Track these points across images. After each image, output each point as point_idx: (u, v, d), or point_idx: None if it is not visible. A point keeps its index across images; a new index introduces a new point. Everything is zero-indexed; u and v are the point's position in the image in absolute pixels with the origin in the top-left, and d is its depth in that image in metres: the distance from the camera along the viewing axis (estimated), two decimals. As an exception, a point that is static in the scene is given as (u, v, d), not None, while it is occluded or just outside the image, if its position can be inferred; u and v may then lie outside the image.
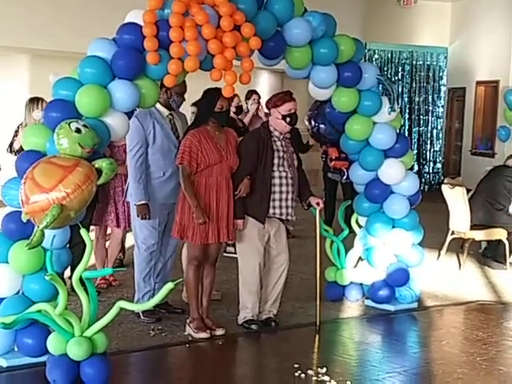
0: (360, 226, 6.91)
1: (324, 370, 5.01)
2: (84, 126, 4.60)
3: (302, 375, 4.95)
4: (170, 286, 4.32)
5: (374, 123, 6.38)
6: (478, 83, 14.79)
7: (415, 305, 6.74)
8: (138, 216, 5.89)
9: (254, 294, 5.89)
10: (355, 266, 6.96)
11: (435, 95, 16.08)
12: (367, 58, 14.95)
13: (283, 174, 5.83)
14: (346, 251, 6.92)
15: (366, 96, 6.26)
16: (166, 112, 6.01)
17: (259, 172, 5.76)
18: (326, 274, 6.93)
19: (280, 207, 5.85)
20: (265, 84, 14.49)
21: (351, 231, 6.99)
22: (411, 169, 6.83)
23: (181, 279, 4.68)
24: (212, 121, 5.64)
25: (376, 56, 15.54)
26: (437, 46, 15.74)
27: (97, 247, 7.06)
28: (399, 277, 6.62)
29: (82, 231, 4.52)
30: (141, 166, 5.87)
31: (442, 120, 16.20)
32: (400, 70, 15.83)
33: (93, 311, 4.51)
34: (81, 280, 4.49)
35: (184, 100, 6.11)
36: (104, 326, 4.49)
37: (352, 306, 6.75)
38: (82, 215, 4.85)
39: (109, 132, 5.00)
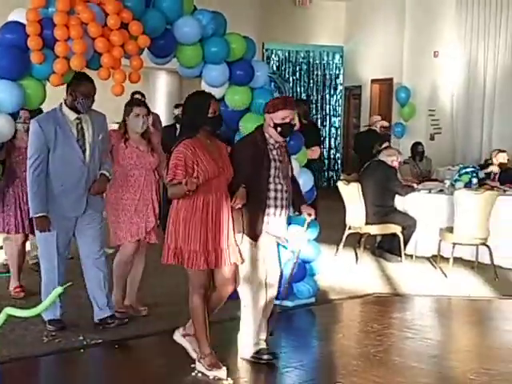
0: (257, 224, 6.92)
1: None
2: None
3: (199, 375, 4.93)
4: (58, 290, 4.21)
5: (268, 121, 6.41)
6: (373, 81, 15.14)
7: (313, 299, 6.81)
8: (36, 229, 5.63)
9: (260, 316, 5.29)
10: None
11: (332, 94, 16.35)
12: (265, 57, 15.07)
13: (278, 187, 5.19)
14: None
15: (259, 94, 6.29)
16: (72, 116, 5.55)
17: (253, 184, 5.05)
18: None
19: (274, 223, 5.19)
20: (163, 85, 14.39)
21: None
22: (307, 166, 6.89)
23: (70, 283, 4.54)
24: (205, 128, 4.89)
25: (273, 56, 15.69)
26: (332, 45, 16.01)
27: (11, 253, 6.95)
28: (297, 272, 6.67)
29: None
30: (38, 175, 5.46)
31: (339, 118, 16.48)
32: (297, 69, 16.03)
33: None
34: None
35: (93, 101, 5.62)
36: (-9, 334, 4.33)
37: (251, 304, 6.75)
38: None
39: (-8, 134, 4.85)
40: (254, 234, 5.12)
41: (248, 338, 5.27)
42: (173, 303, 6.46)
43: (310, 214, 5.40)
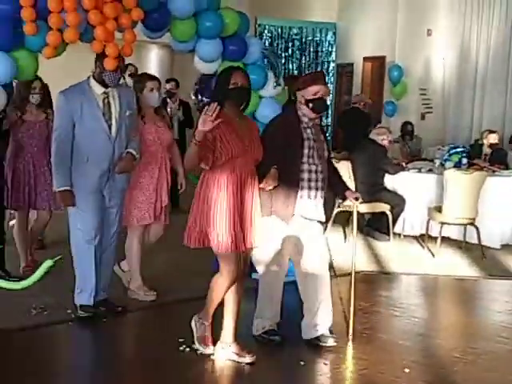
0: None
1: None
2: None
3: (187, 349, 4.96)
4: (48, 263, 4.19)
5: (260, 97, 6.41)
6: (365, 59, 15.08)
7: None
8: (60, 203, 5.51)
9: (276, 302, 5.25)
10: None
11: (325, 71, 16.28)
12: (257, 33, 14.97)
13: (313, 168, 4.95)
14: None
15: (252, 70, 6.24)
16: (99, 89, 5.38)
17: (286, 164, 4.83)
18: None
19: (308, 206, 4.97)
20: (154, 58, 14.33)
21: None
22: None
23: (60, 256, 4.51)
24: (228, 102, 4.62)
25: (266, 31, 15.59)
26: (325, 21, 15.91)
27: (18, 232, 6.82)
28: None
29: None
30: (62, 148, 5.29)
31: (331, 96, 16.41)
32: (290, 45, 15.94)
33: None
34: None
35: (121, 75, 5.51)
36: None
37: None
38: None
39: (-16, 104, 4.83)
40: (285, 217, 4.92)
41: (261, 319, 5.23)
42: (162, 279, 6.50)
43: (356, 199, 5.20)
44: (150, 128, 5.97)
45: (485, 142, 10.50)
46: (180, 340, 5.05)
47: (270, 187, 4.77)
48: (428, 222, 8.48)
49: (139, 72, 8.85)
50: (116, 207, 5.64)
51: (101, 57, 5.26)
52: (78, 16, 4.91)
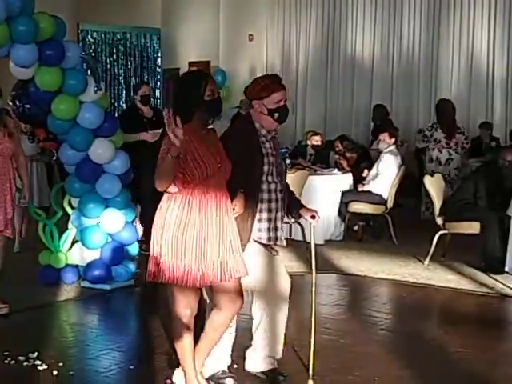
0: (73, 208, 6.83)
1: (35, 354, 4.91)
2: None
3: (12, 362, 4.82)
4: None
5: (81, 102, 6.34)
6: (191, 64, 15.22)
7: (131, 282, 6.83)
8: None
9: (280, 335, 4.79)
10: (70, 249, 6.88)
11: (151, 76, 16.29)
12: (80, 38, 14.75)
13: (272, 187, 4.33)
14: (60, 234, 6.83)
15: (71, 75, 6.21)
16: None
17: (244, 184, 4.18)
18: (40, 258, 6.83)
19: (268, 230, 4.36)
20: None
21: (65, 213, 6.90)
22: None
23: None
24: (200, 114, 3.98)
25: (90, 37, 15.39)
26: (150, 26, 15.93)
27: None
28: (114, 256, 6.67)
29: None
30: None
31: (159, 100, 16.44)
32: (115, 50, 15.83)
33: None
34: None
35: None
36: None
37: (68, 289, 6.71)
38: None
39: None
40: (242, 243, 4.21)
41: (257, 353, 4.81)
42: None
43: (313, 217, 4.60)
44: None
45: (308, 143, 10.91)
46: (5, 353, 4.89)
47: (238, 213, 4.17)
48: (255, 222, 8.67)
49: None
50: None
51: None
52: None
